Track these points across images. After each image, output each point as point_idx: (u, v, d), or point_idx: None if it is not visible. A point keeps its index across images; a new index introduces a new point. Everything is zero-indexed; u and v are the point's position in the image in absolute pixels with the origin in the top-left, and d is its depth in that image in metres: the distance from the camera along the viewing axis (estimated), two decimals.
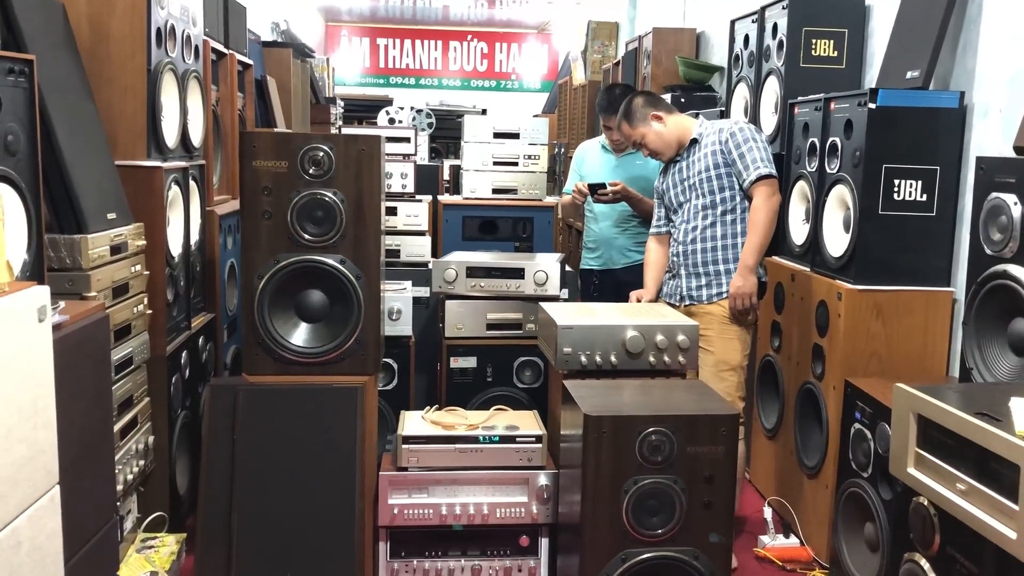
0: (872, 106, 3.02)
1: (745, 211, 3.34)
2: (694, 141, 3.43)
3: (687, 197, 3.42)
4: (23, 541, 1.59)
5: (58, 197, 2.63)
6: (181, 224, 3.33)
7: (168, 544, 3.01)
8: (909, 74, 3.19)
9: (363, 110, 9.74)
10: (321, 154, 2.84)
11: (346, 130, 6.15)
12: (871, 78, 3.76)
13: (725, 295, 3.33)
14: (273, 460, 2.79)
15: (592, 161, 4.56)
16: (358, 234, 2.89)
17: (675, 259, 3.46)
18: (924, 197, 3.07)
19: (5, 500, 1.52)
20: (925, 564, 2.10)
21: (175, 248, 3.25)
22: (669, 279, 3.53)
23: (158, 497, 3.18)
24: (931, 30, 3.12)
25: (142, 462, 2.97)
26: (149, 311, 3.02)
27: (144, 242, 2.98)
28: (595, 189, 4.11)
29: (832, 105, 3.31)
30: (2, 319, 1.51)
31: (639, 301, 3.55)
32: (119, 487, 2.74)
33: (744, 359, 3.36)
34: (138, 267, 2.95)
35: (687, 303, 3.41)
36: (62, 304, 2.18)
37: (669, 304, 3.46)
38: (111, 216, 2.80)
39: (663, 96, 5.49)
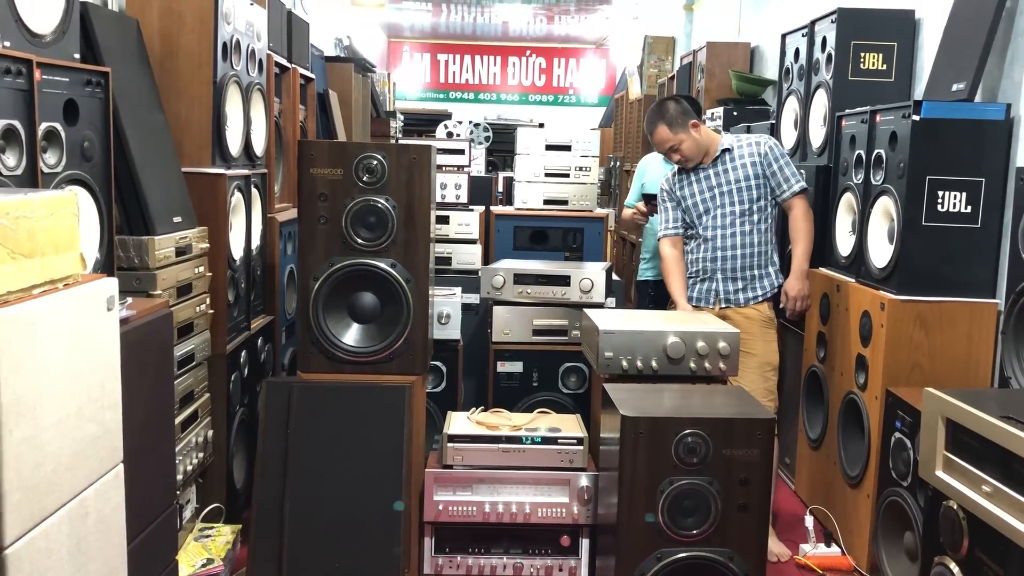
0: (916, 118, 3.05)
1: (773, 219, 3.59)
2: (725, 151, 3.56)
3: (719, 203, 3.52)
4: (90, 512, 1.72)
5: (128, 200, 2.80)
6: (243, 229, 3.49)
7: (224, 534, 3.15)
8: (955, 86, 3.20)
9: (422, 124, 9.94)
10: (375, 162, 2.97)
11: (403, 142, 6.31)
12: (920, 91, 3.77)
13: (761, 298, 3.54)
14: (324, 455, 2.91)
15: (654, 173, 4.65)
16: (408, 239, 3.01)
17: (707, 263, 3.54)
18: (968, 209, 3.08)
19: (75, 472, 1.66)
20: (955, 568, 2.12)
21: (237, 252, 3.41)
22: (696, 283, 3.61)
23: (215, 489, 3.33)
24: (977, 43, 3.13)
25: (201, 454, 3.12)
26: (211, 311, 3.18)
27: (207, 245, 3.14)
28: (649, 199, 4.20)
29: (878, 117, 3.34)
30: (74, 306, 1.65)
31: None
32: (179, 477, 2.88)
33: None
34: (201, 268, 3.10)
35: (723, 306, 3.53)
36: (129, 300, 2.34)
37: (697, 307, 3.55)
38: (177, 219, 2.97)
39: (716, 109, 5.55)
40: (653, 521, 2.55)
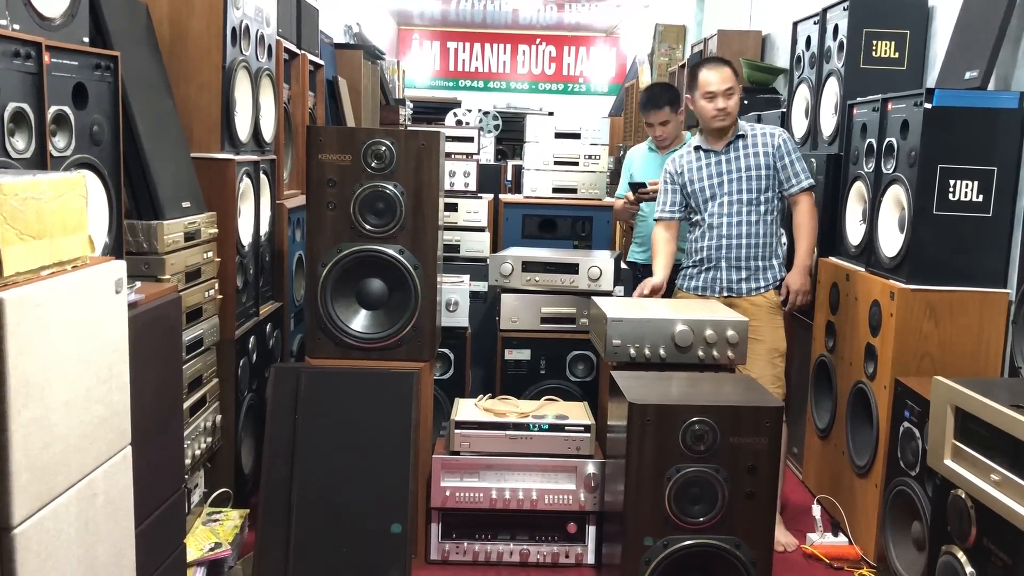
0: (928, 106, 3.03)
1: (779, 212, 3.58)
2: (740, 137, 3.52)
3: (727, 190, 3.49)
4: (98, 493, 1.73)
5: (137, 185, 2.80)
6: (252, 215, 3.49)
7: (232, 519, 3.16)
8: (968, 74, 3.18)
9: (432, 112, 9.90)
10: (383, 148, 2.97)
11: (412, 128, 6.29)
12: (932, 79, 3.74)
13: (763, 289, 3.51)
14: (332, 440, 2.92)
15: (639, 162, 4.64)
16: (417, 225, 3.00)
17: (712, 252, 3.50)
18: (980, 198, 3.06)
19: (84, 454, 1.66)
20: (962, 556, 2.12)
21: (245, 237, 3.41)
22: (700, 271, 3.55)
23: (224, 474, 3.34)
24: (991, 31, 3.10)
25: (209, 439, 3.13)
26: (219, 296, 3.18)
27: (216, 230, 3.14)
28: (636, 188, 4.20)
29: (889, 105, 3.31)
30: (82, 288, 1.66)
31: (651, 290, 3.46)
32: (188, 461, 2.89)
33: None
34: (210, 254, 3.11)
35: (727, 295, 3.51)
36: (138, 284, 2.34)
37: (702, 296, 3.53)
38: (186, 204, 2.97)
39: None
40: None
